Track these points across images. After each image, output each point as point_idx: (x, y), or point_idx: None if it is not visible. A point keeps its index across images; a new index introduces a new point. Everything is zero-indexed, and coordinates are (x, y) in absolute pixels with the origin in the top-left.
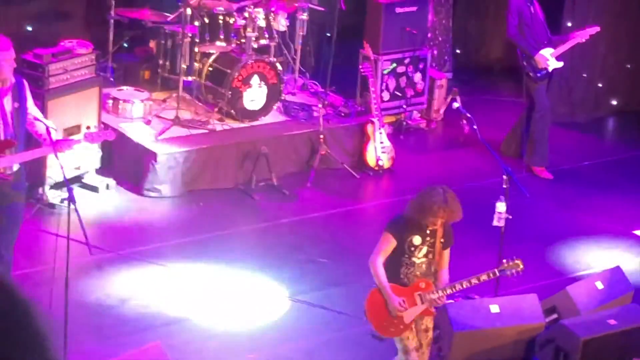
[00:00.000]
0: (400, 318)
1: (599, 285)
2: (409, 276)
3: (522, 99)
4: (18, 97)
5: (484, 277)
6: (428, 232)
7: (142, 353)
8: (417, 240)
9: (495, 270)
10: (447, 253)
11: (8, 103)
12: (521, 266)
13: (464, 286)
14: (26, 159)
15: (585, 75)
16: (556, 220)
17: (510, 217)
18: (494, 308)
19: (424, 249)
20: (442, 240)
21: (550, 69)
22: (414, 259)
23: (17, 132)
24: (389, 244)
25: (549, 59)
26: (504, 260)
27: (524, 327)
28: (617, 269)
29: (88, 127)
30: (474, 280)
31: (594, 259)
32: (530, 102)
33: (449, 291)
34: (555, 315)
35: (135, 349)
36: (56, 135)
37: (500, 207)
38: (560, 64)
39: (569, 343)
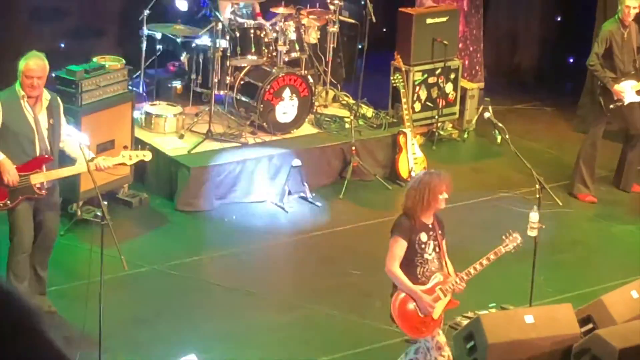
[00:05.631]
0: (430, 316)
1: (634, 294)
2: (426, 274)
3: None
4: (53, 114)
5: (492, 257)
6: (430, 226)
7: None
8: (424, 236)
9: (501, 247)
10: (444, 243)
11: (44, 119)
12: (520, 239)
13: (478, 269)
14: (62, 175)
15: None
16: (590, 229)
17: (544, 226)
18: (529, 318)
19: (431, 244)
20: (439, 231)
21: (626, 102)
22: (426, 256)
23: (53, 148)
24: (401, 246)
25: (626, 92)
26: (503, 237)
27: (559, 337)
28: None
29: (125, 147)
30: (485, 262)
31: (629, 267)
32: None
33: (465, 277)
34: (590, 325)
35: None
36: (88, 153)
37: (534, 217)
38: (639, 99)
39: (605, 353)
